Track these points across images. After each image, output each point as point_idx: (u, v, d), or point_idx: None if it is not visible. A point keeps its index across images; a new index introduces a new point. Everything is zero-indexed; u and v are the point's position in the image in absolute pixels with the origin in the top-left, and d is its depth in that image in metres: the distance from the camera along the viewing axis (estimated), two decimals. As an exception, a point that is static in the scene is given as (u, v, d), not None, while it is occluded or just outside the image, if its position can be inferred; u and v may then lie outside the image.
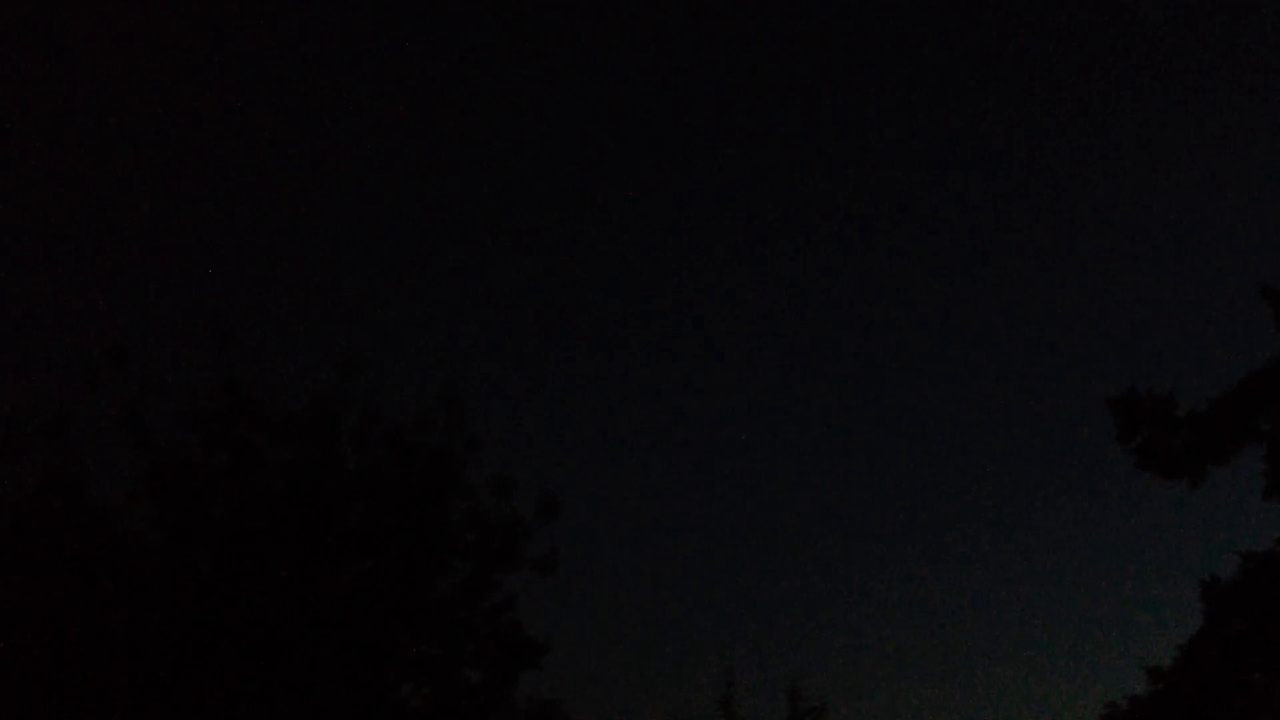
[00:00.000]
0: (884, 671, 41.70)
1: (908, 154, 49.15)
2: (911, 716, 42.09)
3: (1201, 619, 19.47)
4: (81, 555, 17.31)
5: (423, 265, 47.06)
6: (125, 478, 18.09)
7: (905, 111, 48.92)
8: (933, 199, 49.05)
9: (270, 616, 17.47)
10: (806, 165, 49.43)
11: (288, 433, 18.49)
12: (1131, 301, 46.90)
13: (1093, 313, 47.41)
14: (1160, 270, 47.38)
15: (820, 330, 49.15)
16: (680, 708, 28.54)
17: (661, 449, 46.65)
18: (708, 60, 47.89)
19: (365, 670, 18.04)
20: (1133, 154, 47.48)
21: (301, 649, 17.56)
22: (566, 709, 19.34)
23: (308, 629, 17.67)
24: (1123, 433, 19.38)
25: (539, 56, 46.46)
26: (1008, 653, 43.05)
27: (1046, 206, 49.29)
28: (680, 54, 47.54)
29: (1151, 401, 19.18)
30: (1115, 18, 45.19)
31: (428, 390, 19.10)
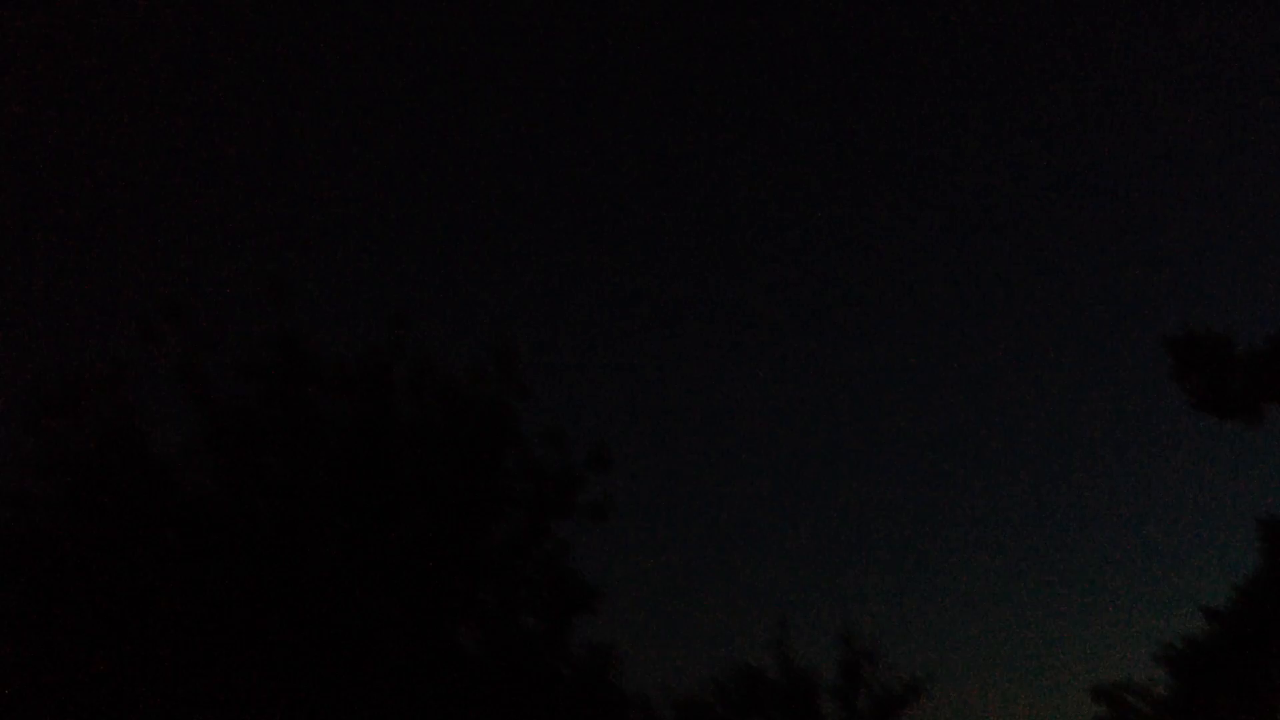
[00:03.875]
0: (936, 615, 41.73)
1: (963, 89, 48.54)
2: (964, 658, 42.15)
3: (1259, 559, 19.35)
4: (142, 509, 17.54)
5: (473, 218, 47.15)
6: (183, 432, 18.30)
7: (945, 63, 48.29)
8: (991, 133, 48.49)
9: (329, 567, 17.67)
10: (841, 130, 49.07)
11: (342, 386, 18.60)
12: (1187, 242, 46.27)
13: (1148, 253, 46.84)
14: (1218, 211, 46.67)
15: (872, 276, 48.82)
16: (734, 652, 28.72)
17: (713, 397, 46.67)
18: (745, 57, 47.52)
19: (422, 618, 18.23)
20: (1192, 90, 46.68)
21: (360, 598, 17.77)
22: (620, 653, 19.54)
23: (365, 578, 17.87)
24: (1179, 373, 19.22)
25: (596, 33, 46.24)
26: (1062, 595, 42.93)
27: (1102, 145, 48.64)
28: (724, 47, 47.20)
29: (1208, 341, 18.99)
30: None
31: (480, 342, 19.17)
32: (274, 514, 17.96)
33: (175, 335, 18.28)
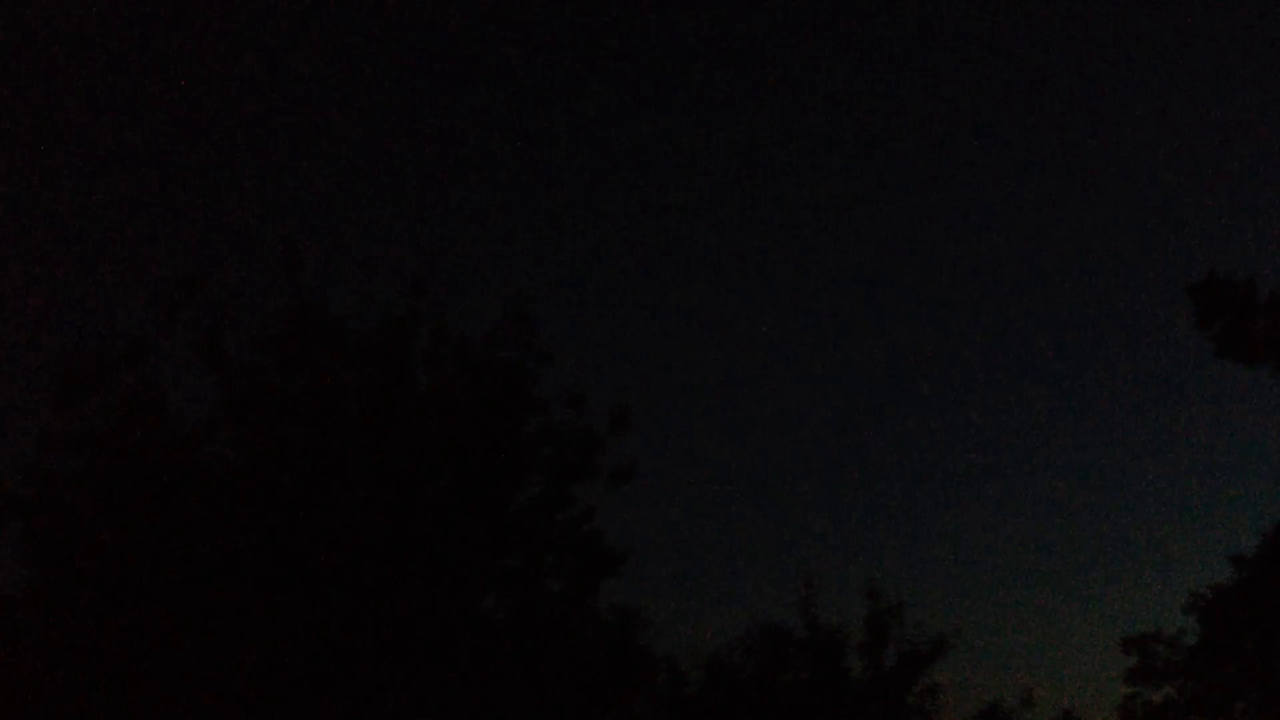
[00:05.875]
0: (963, 569, 41.73)
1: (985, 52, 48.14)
2: (991, 613, 42.19)
3: (1286, 506, 19.21)
4: (167, 481, 17.61)
5: (487, 182, 47.04)
6: (205, 404, 18.36)
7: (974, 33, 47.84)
8: (1014, 83, 48.09)
9: (352, 535, 17.73)
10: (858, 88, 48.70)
11: (361, 355, 18.61)
12: (1209, 188, 45.91)
13: (1170, 200, 46.48)
14: (1239, 156, 46.24)
15: (896, 233, 48.56)
16: (761, 611, 28.72)
17: (733, 357, 46.59)
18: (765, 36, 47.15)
19: (447, 583, 18.29)
20: (1212, 38, 46.19)
21: (384, 564, 17.83)
22: (647, 615, 19.58)
23: (390, 545, 17.92)
24: (1203, 320, 19.07)
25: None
26: (1090, 547, 42.84)
27: (1123, 94, 48.19)
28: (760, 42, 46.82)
29: (1231, 287, 18.82)
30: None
31: (497, 307, 19.12)
32: (297, 483, 18.01)
33: (195, 309, 18.32)
